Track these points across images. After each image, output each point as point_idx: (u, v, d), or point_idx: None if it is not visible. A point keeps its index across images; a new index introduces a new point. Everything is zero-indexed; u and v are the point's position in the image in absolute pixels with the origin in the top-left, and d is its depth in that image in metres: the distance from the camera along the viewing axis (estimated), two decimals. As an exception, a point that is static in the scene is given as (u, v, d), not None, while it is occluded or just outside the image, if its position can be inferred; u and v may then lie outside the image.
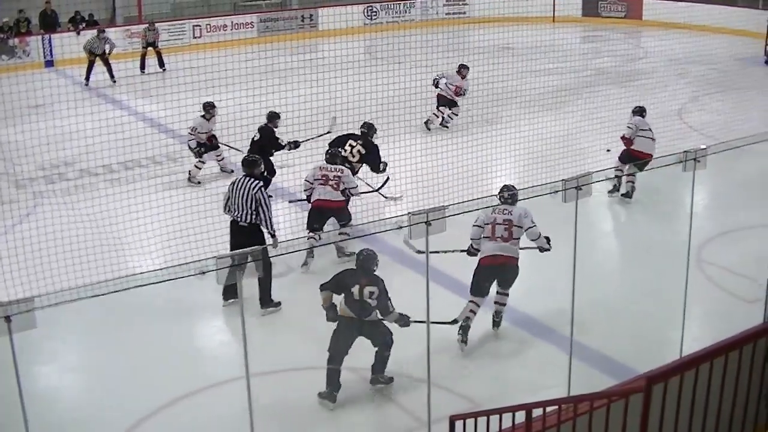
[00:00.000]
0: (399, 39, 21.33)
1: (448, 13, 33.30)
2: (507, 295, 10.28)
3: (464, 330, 9.93)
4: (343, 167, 12.36)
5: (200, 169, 16.00)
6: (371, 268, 9.00)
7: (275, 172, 14.60)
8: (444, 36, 25.06)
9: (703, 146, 8.44)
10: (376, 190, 13.79)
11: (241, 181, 10.92)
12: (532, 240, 9.93)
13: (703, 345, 6.90)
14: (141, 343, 10.19)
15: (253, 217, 10.72)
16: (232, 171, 15.82)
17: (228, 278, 6.32)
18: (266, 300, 10.90)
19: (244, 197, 10.73)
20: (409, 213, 7.03)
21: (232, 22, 30.22)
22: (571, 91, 20.42)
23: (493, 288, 10.21)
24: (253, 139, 14.48)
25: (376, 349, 9.06)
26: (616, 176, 14.36)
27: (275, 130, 14.57)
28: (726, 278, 11.77)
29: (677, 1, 29.24)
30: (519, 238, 9.98)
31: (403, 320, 9.01)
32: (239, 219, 10.78)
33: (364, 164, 13.63)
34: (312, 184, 12.25)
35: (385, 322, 9.01)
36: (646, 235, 13.07)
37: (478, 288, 10.09)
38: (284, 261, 11.79)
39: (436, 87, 18.65)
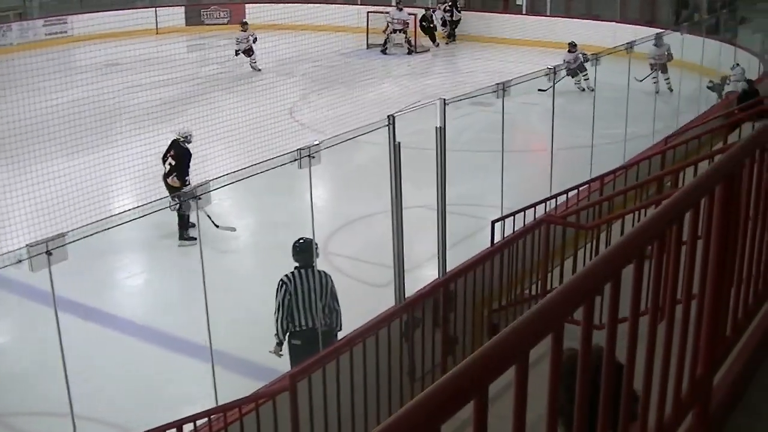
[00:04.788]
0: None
1: (48, 34, 31.91)
2: None
3: None
4: None
5: None
6: None
7: None
8: (46, 57, 24.05)
9: (316, 142, 8.60)
10: None
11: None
12: None
13: (342, 334, 7.07)
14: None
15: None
16: None
17: None
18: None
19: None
20: (27, 245, 6.63)
21: None
22: (182, 101, 20.29)
23: None
24: None
25: None
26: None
27: None
28: (355, 266, 12.18)
29: (277, 3, 29.91)
30: None
31: None
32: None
33: None
34: None
35: None
36: (273, 235, 13.20)
37: None
38: None
39: None
